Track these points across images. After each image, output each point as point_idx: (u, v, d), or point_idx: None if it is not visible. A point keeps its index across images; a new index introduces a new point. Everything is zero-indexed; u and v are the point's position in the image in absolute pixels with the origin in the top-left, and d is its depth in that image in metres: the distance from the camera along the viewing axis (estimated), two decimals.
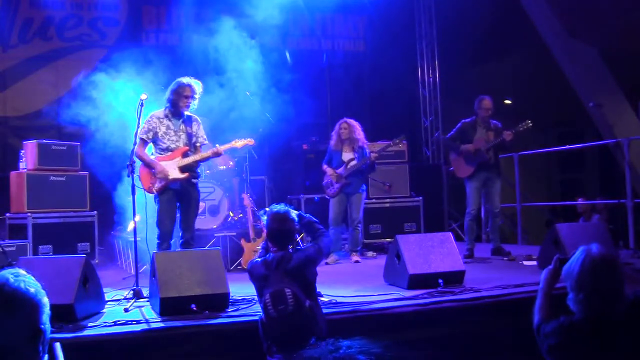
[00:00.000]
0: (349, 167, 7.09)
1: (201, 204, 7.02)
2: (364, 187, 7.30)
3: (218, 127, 7.33)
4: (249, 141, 5.83)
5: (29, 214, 6.73)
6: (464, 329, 4.27)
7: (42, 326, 1.67)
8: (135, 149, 5.19)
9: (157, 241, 5.35)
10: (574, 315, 2.52)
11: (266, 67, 7.37)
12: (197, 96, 5.51)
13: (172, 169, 5.34)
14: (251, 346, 3.59)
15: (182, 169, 5.37)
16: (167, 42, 9.50)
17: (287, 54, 9.53)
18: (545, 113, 12.11)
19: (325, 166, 7.25)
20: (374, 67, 10.60)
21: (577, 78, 10.58)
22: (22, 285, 1.66)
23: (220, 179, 7.48)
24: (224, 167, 7.58)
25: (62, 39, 9.08)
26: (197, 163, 5.50)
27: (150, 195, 5.42)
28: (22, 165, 7.13)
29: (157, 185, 5.33)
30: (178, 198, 5.43)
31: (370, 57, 10.74)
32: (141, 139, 5.33)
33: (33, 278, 1.72)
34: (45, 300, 1.70)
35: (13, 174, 7.09)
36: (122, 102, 6.79)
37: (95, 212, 7.23)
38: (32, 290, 1.67)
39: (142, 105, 5.10)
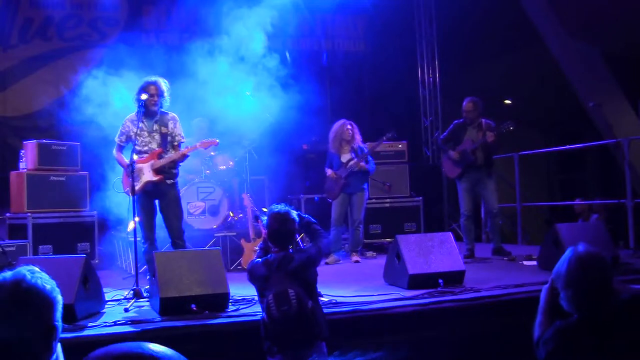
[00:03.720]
0: (347, 167, 7.12)
1: (201, 204, 7.05)
2: (366, 187, 7.31)
3: (218, 127, 7.33)
4: (213, 141, 5.71)
5: (29, 214, 6.73)
6: (464, 329, 4.27)
7: (56, 323, 1.70)
8: (113, 152, 5.45)
9: (142, 241, 5.37)
10: (568, 318, 2.53)
11: (266, 67, 7.36)
12: (165, 94, 5.46)
13: (147, 171, 5.33)
14: (251, 346, 3.59)
15: (157, 171, 5.35)
16: (167, 42, 9.49)
17: (287, 54, 9.53)
18: (545, 113, 12.12)
19: (328, 170, 7.28)
20: (374, 67, 10.59)
21: (577, 78, 10.58)
22: (39, 282, 1.70)
23: (220, 179, 7.48)
24: (224, 167, 7.58)
25: (62, 38, 9.08)
26: (174, 164, 5.44)
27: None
28: (22, 165, 7.13)
29: (136, 187, 5.31)
30: (155, 199, 5.43)
31: (370, 57, 10.73)
32: (116, 142, 5.51)
33: (47, 276, 1.75)
34: (60, 298, 1.74)
35: (13, 174, 7.09)
36: (122, 102, 6.79)
37: (95, 212, 7.22)
38: (48, 287, 1.71)
39: (142, 105, 5.10)
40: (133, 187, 4.98)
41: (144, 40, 9.35)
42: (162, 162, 5.36)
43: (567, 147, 9.15)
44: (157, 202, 5.44)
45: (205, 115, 7.40)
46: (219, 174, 7.55)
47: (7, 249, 5.98)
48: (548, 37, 10.52)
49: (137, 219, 5.19)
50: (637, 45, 9.84)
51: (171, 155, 5.43)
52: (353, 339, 3.93)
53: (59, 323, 1.72)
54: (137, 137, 5.37)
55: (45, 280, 1.72)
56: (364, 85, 10.70)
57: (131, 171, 4.99)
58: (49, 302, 1.69)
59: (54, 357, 1.71)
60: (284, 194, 8.23)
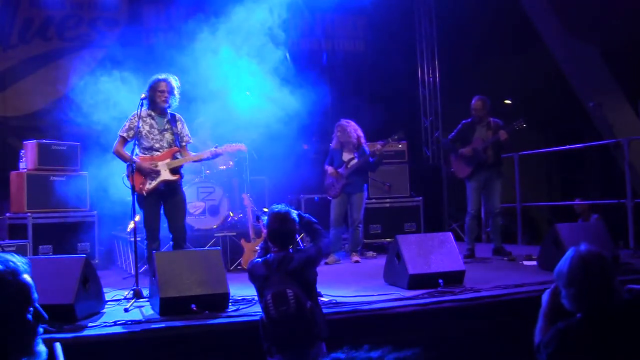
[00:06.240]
0: (349, 166, 7.13)
1: (201, 204, 7.04)
2: (365, 187, 7.33)
3: (218, 127, 7.33)
4: (240, 146, 5.77)
5: (29, 214, 6.73)
6: (464, 329, 4.27)
7: (32, 304, 1.69)
8: (114, 146, 5.21)
9: (145, 242, 5.33)
10: (570, 318, 2.54)
11: (266, 67, 7.36)
12: (175, 92, 5.43)
13: (163, 170, 5.30)
14: (251, 346, 3.59)
15: (173, 171, 5.34)
16: (167, 42, 9.48)
17: (287, 54, 9.52)
18: (545, 113, 12.11)
19: (327, 166, 7.32)
20: (374, 67, 10.59)
21: (577, 78, 10.58)
22: (8, 259, 1.70)
23: (220, 179, 7.48)
24: (224, 167, 7.58)
25: (62, 39, 9.07)
26: (181, 164, 5.45)
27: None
28: (22, 165, 7.13)
29: (148, 186, 5.27)
30: (162, 199, 5.39)
31: (370, 57, 10.73)
32: (120, 136, 5.30)
33: (21, 259, 1.75)
34: (31, 282, 1.72)
35: (13, 174, 7.09)
36: (122, 102, 6.79)
37: (95, 212, 7.22)
38: (13, 264, 1.70)
39: (141, 105, 5.10)
40: (133, 186, 4.96)
41: (144, 40, 9.35)
42: (179, 161, 5.36)
43: (567, 147, 9.14)
44: (162, 201, 5.39)
45: (205, 114, 7.40)
46: (219, 174, 7.55)
47: (7, 249, 5.97)
48: (548, 37, 10.52)
49: (137, 218, 5.19)
50: (637, 45, 9.83)
51: (200, 153, 5.50)
52: (353, 339, 3.93)
53: (36, 304, 1.71)
54: (148, 134, 5.33)
55: (13, 260, 1.72)
56: (364, 85, 10.70)
57: (131, 171, 4.97)
58: (20, 283, 1.68)
59: (39, 341, 1.69)
60: (284, 194, 8.23)
